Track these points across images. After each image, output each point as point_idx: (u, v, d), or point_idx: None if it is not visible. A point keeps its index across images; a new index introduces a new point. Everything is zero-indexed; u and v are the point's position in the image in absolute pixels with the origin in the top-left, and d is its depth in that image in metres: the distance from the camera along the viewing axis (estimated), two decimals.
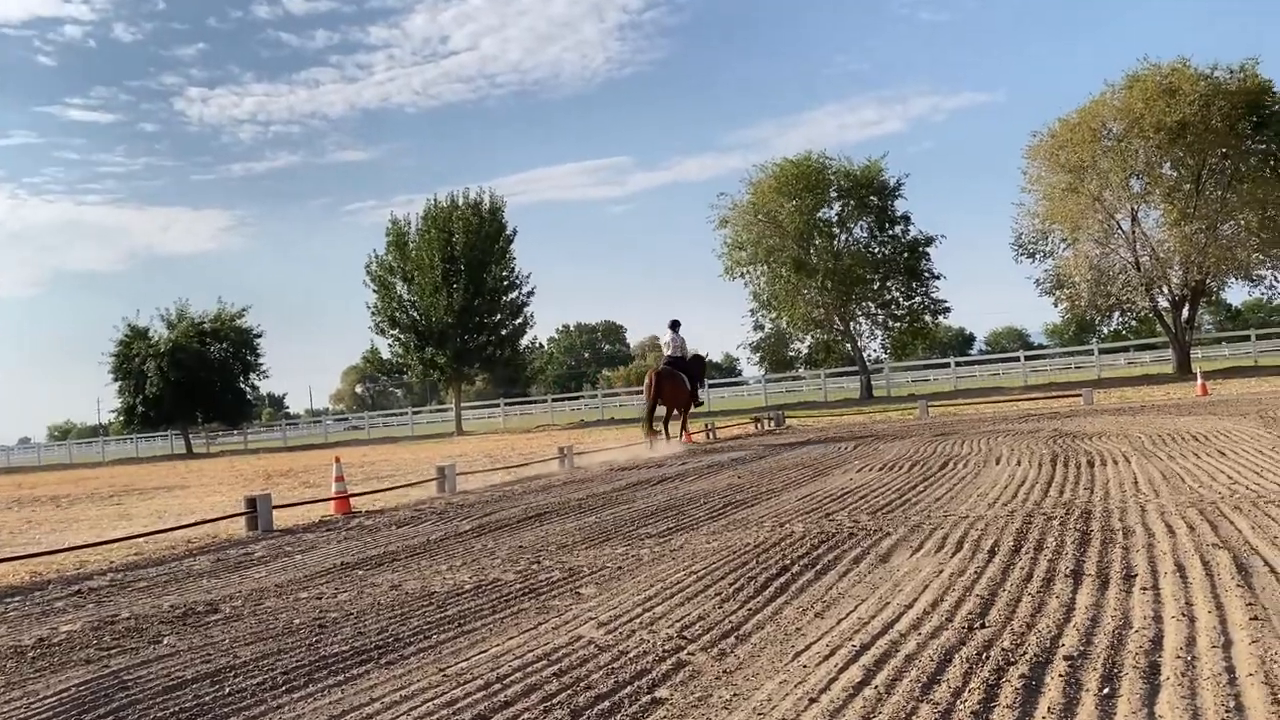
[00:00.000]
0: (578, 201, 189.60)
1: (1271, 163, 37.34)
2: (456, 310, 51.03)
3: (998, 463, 11.63)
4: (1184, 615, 4.45)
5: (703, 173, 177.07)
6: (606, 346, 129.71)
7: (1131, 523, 6.84)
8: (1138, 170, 37.83)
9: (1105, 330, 49.59)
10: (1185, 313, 38.99)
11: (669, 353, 21.06)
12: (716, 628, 4.83)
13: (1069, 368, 50.15)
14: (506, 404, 60.65)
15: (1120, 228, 38.51)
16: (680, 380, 20.45)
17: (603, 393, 66.07)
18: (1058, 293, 40.71)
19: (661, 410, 20.75)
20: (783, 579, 5.83)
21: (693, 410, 21.68)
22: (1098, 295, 38.83)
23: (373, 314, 53.65)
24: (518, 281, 53.65)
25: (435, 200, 52.92)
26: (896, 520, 7.75)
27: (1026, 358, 48.57)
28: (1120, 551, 5.92)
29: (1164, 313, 39.29)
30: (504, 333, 53.49)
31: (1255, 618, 4.32)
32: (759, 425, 26.66)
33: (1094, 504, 7.86)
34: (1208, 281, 38.14)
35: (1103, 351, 47.45)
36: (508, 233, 53.28)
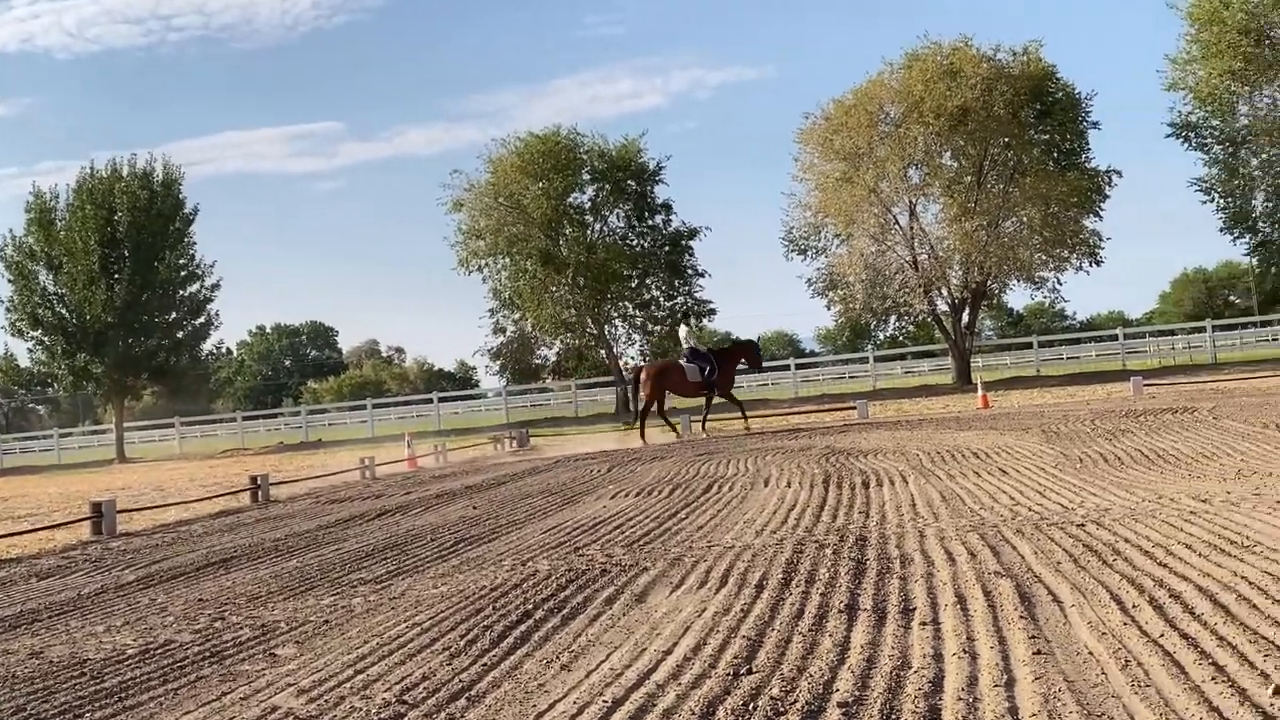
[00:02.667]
0: (276, 175, 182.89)
1: (1055, 154, 40.93)
2: (118, 307, 48.11)
3: (766, 485, 12.09)
4: (965, 652, 4.76)
5: (432, 145, 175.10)
6: (313, 353, 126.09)
7: (910, 550, 7.26)
8: (917, 159, 40.49)
9: (881, 336, 52.85)
10: (965, 317, 42.08)
11: (689, 344, 24.82)
12: (445, 688, 4.76)
13: (843, 377, 52.96)
14: (184, 424, 57.71)
15: (898, 223, 41.12)
16: (680, 371, 24.09)
17: (308, 409, 64.09)
18: (831, 294, 42.91)
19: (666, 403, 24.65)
20: (524, 627, 5.82)
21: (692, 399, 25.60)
22: (873, 297, 41.23)
23: (8, 311, 49.85)
24: (199, 272, 51.28)
25: (92, 169, 49.84)
26: (655, 553, 7.90)
27: (797, 366, 50.99)
28: (898, 582, 6.27)
29: (943, 317, 42.24)
30: (180, 335, 50.97)
31: (1039, 652, 4.68)
32: (498, 446, 26.60)
33: (870, 529, 8.31)
34: (989, 283, 41.32)
35: (879, 359, 50.45)
36: (186, 211, 50.81)
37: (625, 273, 46.76)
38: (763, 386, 54.79)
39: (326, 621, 6.46)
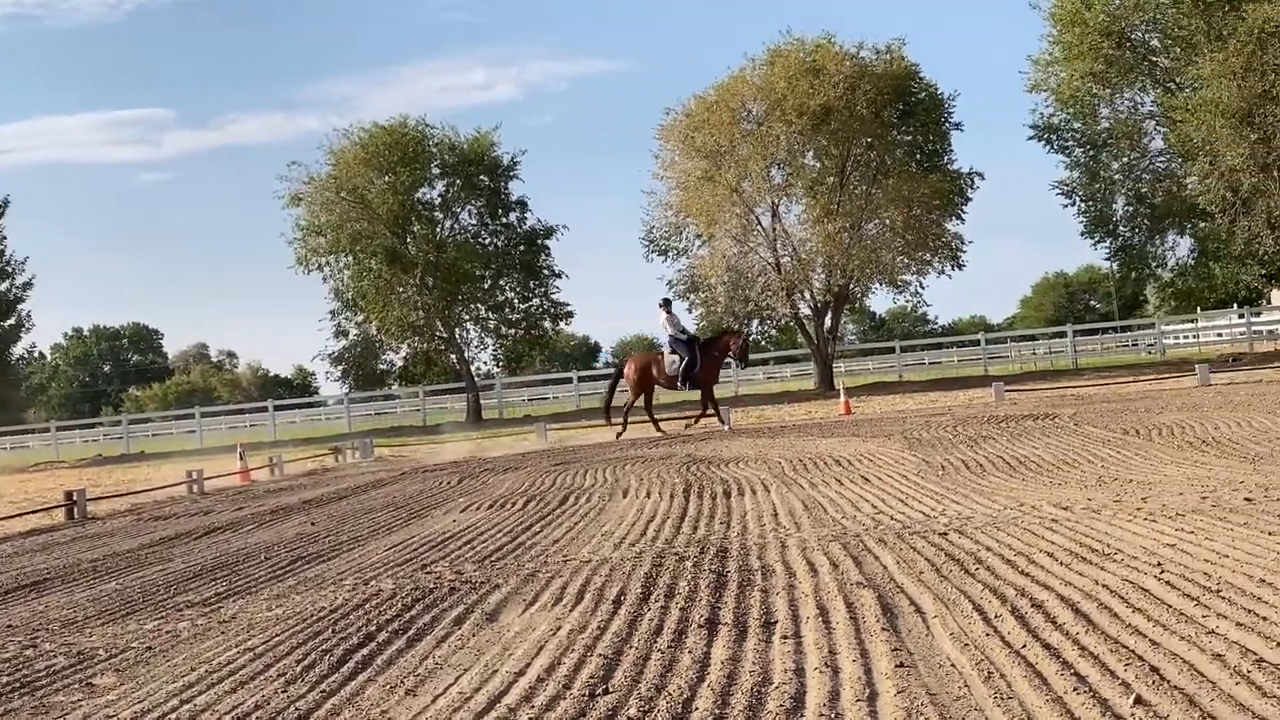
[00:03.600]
0: (95, 165, 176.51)
1: (917, 155, 42.07)
2: None
3: (625, 495, 12.15)
4: (827, 666, 4.84)
5: (268, 135, 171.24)
6: (135, 357, 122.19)
7: (771, 561, 7.37)
8: (779, 159, 41.16)
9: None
10: (828, 321, 42.94)
11: (670, 332, 24.52)
12: (279, 718, 4.66)
13: None
14: None
15: (760, 223, 41.72)
16: (662, 363, 24.24)
17: (129, 418, 62.00)
18: (692, 296, 43.36)
19: (640, 398, 24.72)
20: (366, 650, 5.74)
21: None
22: (736, 300, 41.74)
23: None
24: (8, 269, 49.30)
25: None
26: (508, 569, 7.87)
27: None
28: (759, 595, 6.35)
29: (806, 321, 43.02)
30: None
31: (901, 664, 4.79)
32: (339, 457, 26.17)
33: (731, 540, 8.41)
34: (851, 286, 42.24)
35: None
36: None
37: (477, 273, 46.44)
38: (622, 394, 54.98)
39: (150, 648, 6.27)
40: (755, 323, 45.39)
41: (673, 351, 24.20)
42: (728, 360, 25.78)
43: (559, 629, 5.86)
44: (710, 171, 40.38)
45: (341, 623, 6.43)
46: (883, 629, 5.38)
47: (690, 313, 44.65)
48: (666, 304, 25.63)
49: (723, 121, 40.16)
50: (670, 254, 43.66)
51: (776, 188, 41.46)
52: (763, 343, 49.66)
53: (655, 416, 24.83)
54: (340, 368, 47.77)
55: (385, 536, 10.45)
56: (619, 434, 23.89)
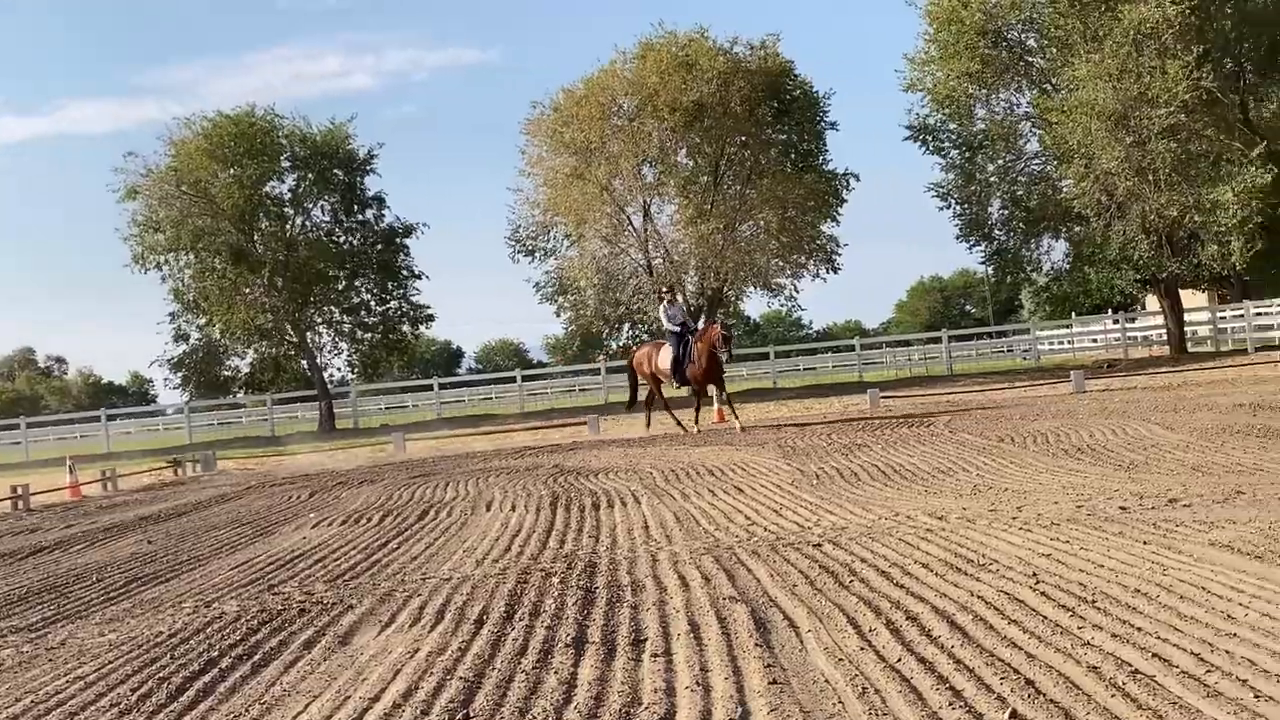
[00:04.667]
0: None
1: (792, 155, 42.66)
2: None
3: (488, 509, 12.09)
4: (699, 684, 4.88)
5: (104, 122, 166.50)
6: None
7: (641, 576, 7.40)
8: (651, 156, 41.37)
9: (615, 345, 53.67)
10: (702, 325, 43.24)
11: (679, 321, 23.66)
12: None
13: (573, 390, 53.55)
14: None
15: (631, 223, 41.89)
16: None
17: None
18: (561, 299, 43.32)
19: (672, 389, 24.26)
20: (208, 677, 5.62)
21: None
22: (606, 303, 41.83)
23: None
24: None
25: None
26: (362, 589, 7.77)
27: (524, 379, 51.19)
28: (629, 611, 6.38)
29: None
30: None
31: (774, 681, 4.84)
32: (179, 470, 25.53)
33: (600, 555, 8.42)
34: (725, 289, 42.67)
35: (611, 371, 51.25)
36: None
37: (331, 273, 45.78)
38: (485, 401, 54.72)
39: None
40: (626, 327, 45.55)
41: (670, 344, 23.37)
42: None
43: (417, 651, 5.80)
44: (579, 169, 40.42)
45: (181, 648, 6.28)
46: (756, 645, 5.44)
47: (557, 316, 44.68)
48: (669, 290, 25.34)
49: (592, 117, 40.21)
50: (538, 254, 43.57)
51: (648, 186, 41.67)
52: (634, 347, 49.72)
53: (674, 411, 23.91)
54: (180, 374, 46.59)
55: (229, 555, 10.24)
56: (647, 427, 24.05)
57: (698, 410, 23.06)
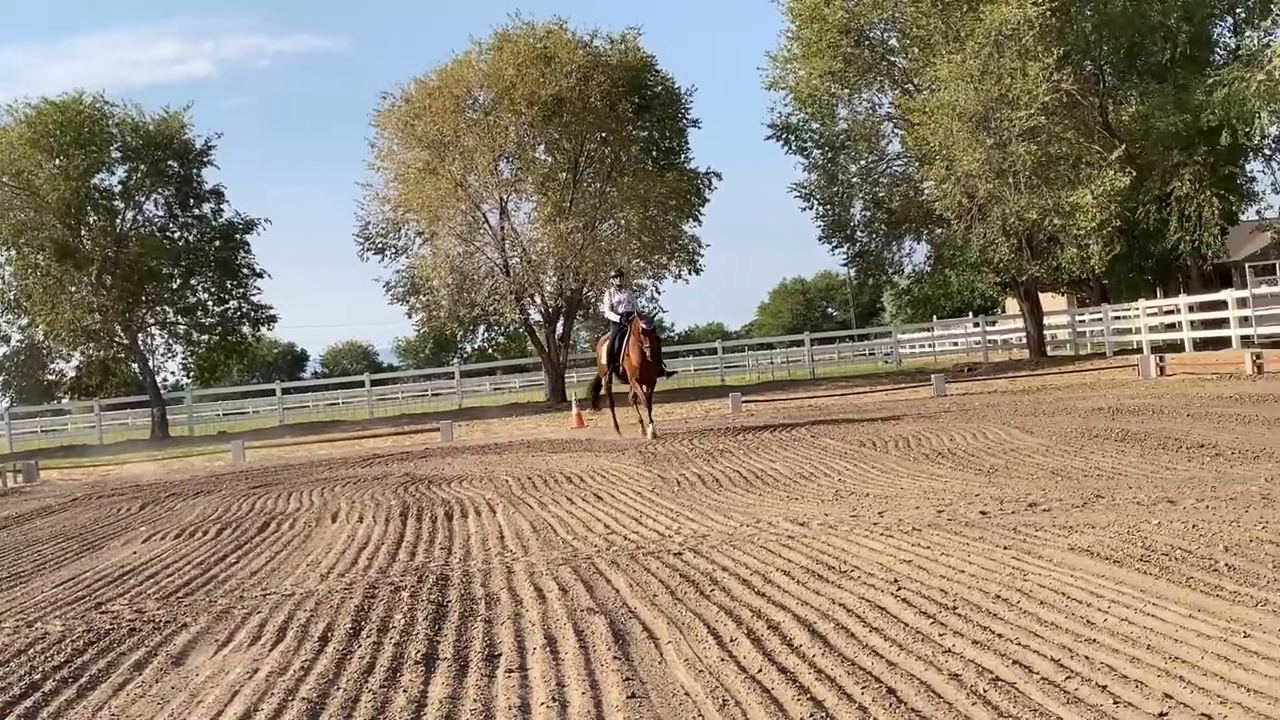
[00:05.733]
0: None
1: (654, 153, 42.95)
2: None
3: (334, 520, 11.93)
4: (555, 700, 4.87)
5: None
6: None
7: (496, 588, 7.37)
8: (508, 152, 41.24)
9: (469, 348, 53.46)
10: (560, 327, 43.29)
11: (622, 310, 21.66)
12: None
13: (425, 395, 53.18)
14: None
15: (487, 221, 41.68)
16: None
17: None
18: (412, 300, 42.91)
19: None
20: (30, 702, 5.45)
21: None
22: (460, 304, 41.55)
23: None
24: None
25: None
26: (197, 606, 7.60)
27: (373, 383, 50.65)
28: (483, 626, 6.34)
29: (536, 327, 43.24)
30: None
31: (633, 695, 4.86)
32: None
33: (452, 567, 8.36)
34: (585, 290, 42.71)
35: (465, 375, 51.03)
36: None
37: (165, 271, 44.69)
38: (331, 406, 53.99)
39: None
40: (482, 329, 45.35)
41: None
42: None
43: (256, 671, 5.69)
44: (432, 163, 40.08)
45: (0, 671, 6.07)
46: (614, 658, 5.45)
47: (409, 317, 44.24)
48: (618, 275, 23.65)
49: (446, 109, 39.94)
50: (388, 253, 43.13)
51: (505, 183, 41.53)
52: (489, 351, 49.62)
53: (616, 410, 22.67)
54: (0, 379, 45.05)
55: (53, 572, 9.91)
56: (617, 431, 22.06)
57: (645, 410, 21.16)
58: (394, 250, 43.17)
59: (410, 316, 44.19)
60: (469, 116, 40.63)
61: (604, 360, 21.80)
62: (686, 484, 12.66)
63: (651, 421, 20.68)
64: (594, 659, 5.49)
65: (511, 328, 45.30)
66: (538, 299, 42.24)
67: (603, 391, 23.09)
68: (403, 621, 6.55)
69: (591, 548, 8.76)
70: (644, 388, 21.10)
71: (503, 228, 41.38)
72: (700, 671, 5.15)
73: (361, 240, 43.10)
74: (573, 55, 39.90)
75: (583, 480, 13.99)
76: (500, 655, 5.70)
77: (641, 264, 42.43)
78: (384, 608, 6.99)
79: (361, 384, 50.92)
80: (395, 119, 41.40)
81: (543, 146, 41.99)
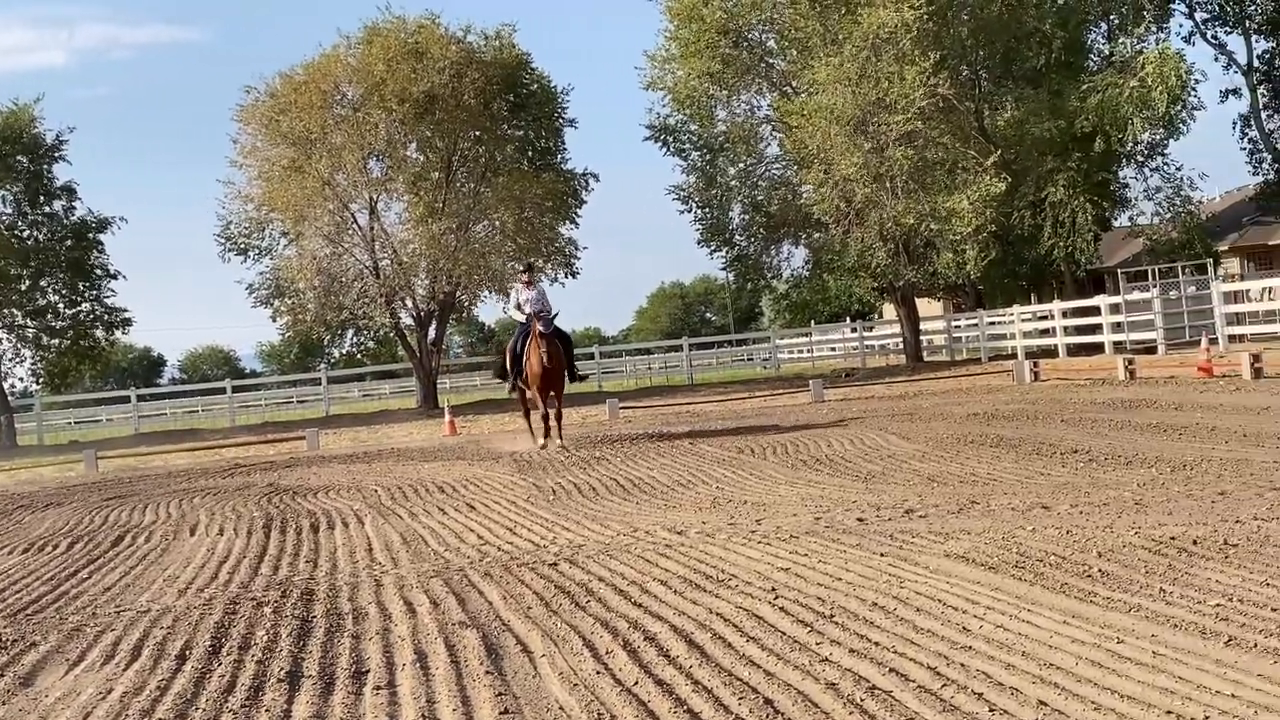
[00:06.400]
0: None
1: (530, 153, 42.83)
2: None
3: (193, 533, 11.70)
4: (425, 717, 4.83)
5: None
6: None
7: (364, 602, 7.29)
8: (378, 150, 40.78)
9: (337, 353, 52.79)
10: (432, 332, 42.95)
11: (530, 309, 19.32)
12: None
13: (290, 402, 52.46)
14: None
15: (356, 222, 41.18)
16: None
17: None
18: (277, 303, 42.23)
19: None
20: None
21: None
22: (327, 307, 40.99)
23: None
24: None
25: None
26: (47, 624, 7.40)
27: (235, 389, 49.78)
28: (350, 641, 6.27)
29: (408, 331, 42.86)
30: None
31: (506, 711, 4.84)
32: None
33: (318, 581, 8.25)
34: (458, 294, 42.44)
35: (333, 381, 50.38)
36: None
37: (13, 271, 43.36)
38: (190, 414, 52.93)
39: None
40: (350, 333, 44.83)
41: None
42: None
43: (110, 691, 5.55)
44: (299, 161, 39.50)
45: None
46: (487, 672, 5.43)
47: (273, 321, 43.53)
48: (528, 270, 20.92)
49: (313, 105, 39.39)
50: (251, 254, 42.35)
51: (375, 182, 41.09)
52: (358, 356, 49.04)
53: (532, 417, 20.15)
54: None
55: None
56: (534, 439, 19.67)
57: (542, 420, 19.32)
58: (258, 251, 42.42)
59: (275, 320, 43.45)
60: (337, 113, 40.13)
61: (508, 365, 19.90)
62: (562, 492, 12.66)
63: (561, 436, 19.01)
64: (466, 674, 5.46)
65: (381, 332, 44.86)
66: (409, 302, 41.86)
67: (511, 391, 20.94)
68: (265, 638, 6.44)
69: (464, 559, 8.71)
70: (549, 395, 19.16)
71: (372, 228, 40.94)
72: (575, 685, 5.14)
73: (223, 240, 42.28)
74: (445, 51, 39.63)
75: (455, 489, 13.90)
76: (368, 672, 5.64)
77: (516, 267, 42.23)
78: (245, 624, 6.87)
79: (223, 390, 49.93)
80: (259, 114, 40.71)
81: (414, 145, 41.63)
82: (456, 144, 40.96)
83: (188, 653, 6.22)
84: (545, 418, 19.20)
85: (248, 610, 7.28)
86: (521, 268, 20.95)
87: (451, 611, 6.78)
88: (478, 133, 41.00)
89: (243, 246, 42.31)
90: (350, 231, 41.05)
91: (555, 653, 5.71)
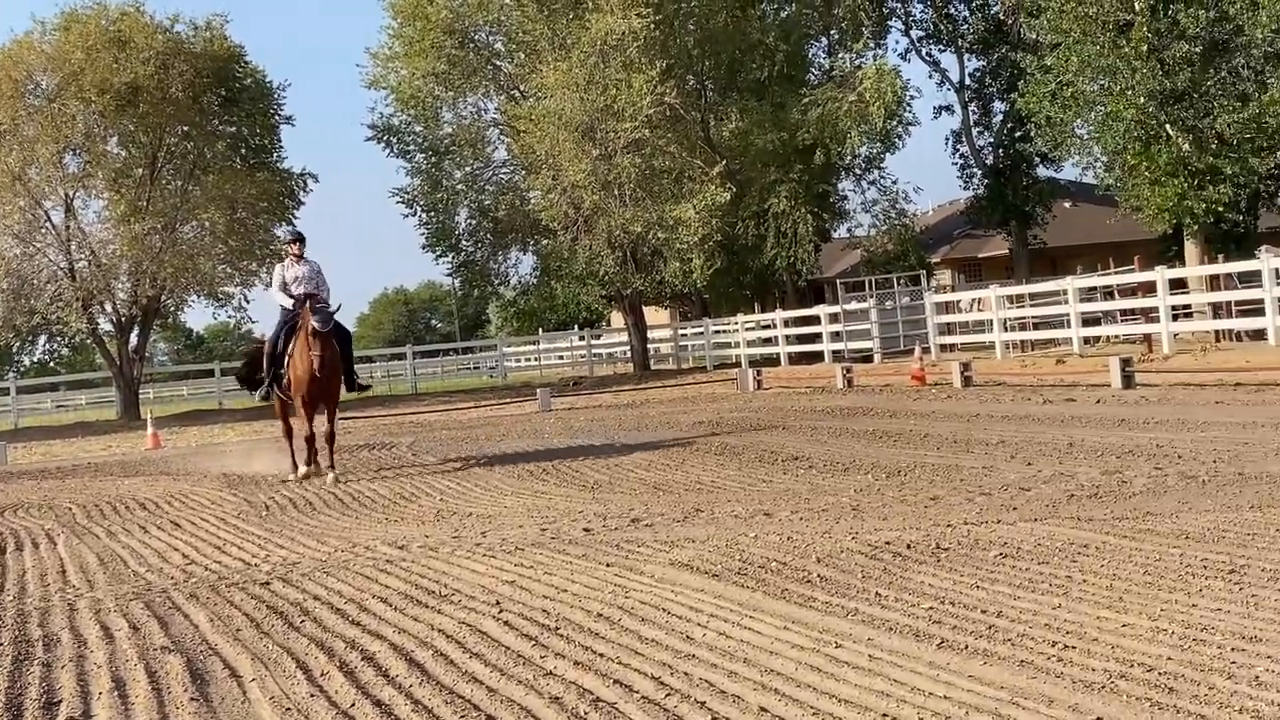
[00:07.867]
0: None
1: (243, 150, 41.71)
2: None
3: None
4: None
5: None
6: None
7: (56, 628, 6.94)
8: (75, 143, 39.05)
9: (28, 360, 50.31)
10: (134, 339, 41.33)
11: (303, 289, 15.48)
12: None
13: None
14: None
15: (50, 220, 39.35)
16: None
17: None
18: None
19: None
20: None
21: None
22: (18, 311, 39.04)
23: None
24: None
25: None
26: None
27: None
28: (40, 670, 5.96)
29: (107, 338, 41.13)
30: None
31: None
32: None
33: (4, 606, 7.84)
34: (164, 298, 40.96)
35: (23, 391, 47.91)
36: None
37: None
38: None
39: None
40: (43, 339, 42.73)
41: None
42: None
43: None
44: None
45: None
46: (191, 699, 5.25)
47: None
48: (296, 241, 16.49)
49: (3, 94, 37.52)
50: None
51: (71, 178, 39.34)
52: (51, 364, 46.80)
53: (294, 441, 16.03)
54: None
55: None
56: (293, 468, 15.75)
57: (306, 442, 15.27)
58: None
59: None
60: (30, 103, 38.31)
61: (264, 366, 15.91)
62: (276, 508, 12.35)
63: (334, 464, 15.08)
64: (169, 702, 5.26)
65: (78, 338, 42.94)
66: (108, 307, 40.19)
67: (264, 400, 16.76)
68: None
69: (167, 580, 8.40)
70: (318, 409, 15.29)
71: (68, 227, 39.16)
72: (288, 710, 5.02)
73: None
74: (150, 40, 38.28)
75: (159, 506, 13.39)
76: (60, 702, 5.37)
77: (228, 270, 41.15)
78: None
79: None
80: None
81: (116, 139, 40.07)
82: (163, 139, 39.61)
83: None
84: (310, 439, 15.13)
85: None
86: (290, 237, 16.85)
87: (153, 636, 6.52)
88: (186, 128, 39.74)
89: None
90: (43, 230, 39.22)
91: (266, 676, 5.56)
